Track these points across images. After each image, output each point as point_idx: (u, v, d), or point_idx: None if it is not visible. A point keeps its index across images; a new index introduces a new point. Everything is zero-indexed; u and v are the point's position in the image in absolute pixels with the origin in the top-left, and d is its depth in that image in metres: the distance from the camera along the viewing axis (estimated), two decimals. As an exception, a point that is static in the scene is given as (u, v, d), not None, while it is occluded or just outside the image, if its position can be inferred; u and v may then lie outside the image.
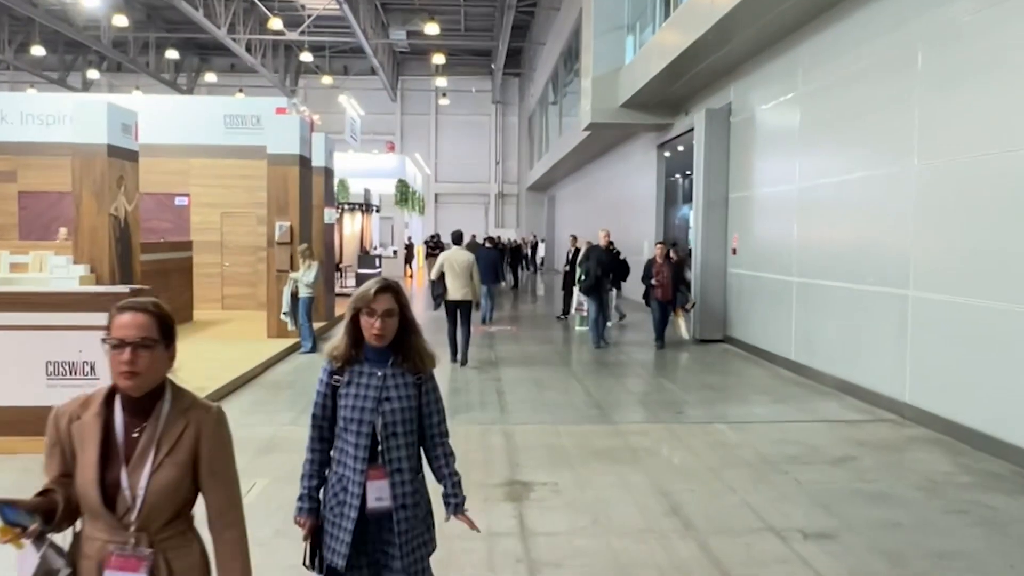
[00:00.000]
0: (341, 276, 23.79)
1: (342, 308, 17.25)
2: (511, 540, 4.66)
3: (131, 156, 11.80)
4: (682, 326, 12.97)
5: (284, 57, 38.96)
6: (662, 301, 12.39)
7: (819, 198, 10.11)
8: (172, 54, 34.38)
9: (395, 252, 31.58)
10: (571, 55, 25.53)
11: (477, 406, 8.36)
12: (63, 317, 6.20)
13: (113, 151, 11.17)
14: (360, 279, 22.65)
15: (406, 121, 44.64)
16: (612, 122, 17.15)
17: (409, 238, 33.29)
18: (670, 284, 12.36)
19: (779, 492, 5.58)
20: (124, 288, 6.46)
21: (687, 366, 11.26)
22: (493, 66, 40.74)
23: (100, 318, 6.36)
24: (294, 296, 11.40)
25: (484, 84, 43.89)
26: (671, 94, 15.26)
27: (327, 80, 36.86)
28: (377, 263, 23.46)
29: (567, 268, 16.95)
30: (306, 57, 33.00)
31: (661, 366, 11.15)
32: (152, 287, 12.55)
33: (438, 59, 32.28)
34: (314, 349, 11.46)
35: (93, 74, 37.68)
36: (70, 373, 6.22)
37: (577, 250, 16.76)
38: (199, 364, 10.05)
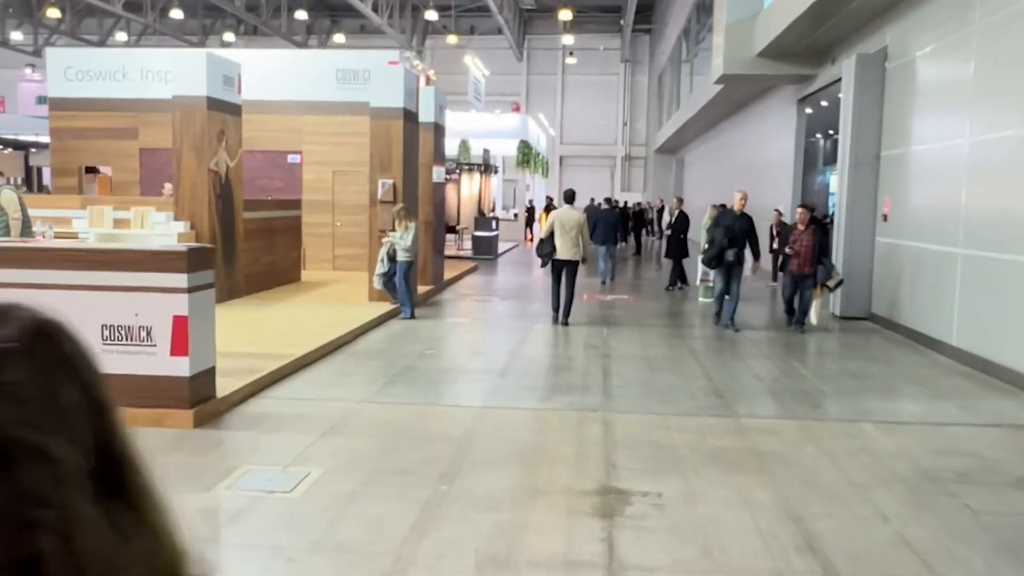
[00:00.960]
0: (458, 238, 23.24)
1: (452, 271, 16.71)
2: (593, 575, 3.71)
3: (233, 110, 11.38)
4: (815, 307, 11.10)
5: (411, 18, 38.65)
6: (797, 275, 10.79)
7: (997, 155, 8.47)
8: (301, 15, 34.65)
9: (515, 215, 30.83)
10: (704, 6, 23.73)
11: (579, 388, 7.41)
12: (119, 277, 5.67)
13: (213, 104, 10.75)
14: (476, 242, 22.00)
15: (532, 81, 43.57)
16: (747, 73, 15.58)
17: (530, 201, 32.46)
18: (810, 255, 10.65)
19: (947, 524, 4.36)
20: (181, 247, 5.87)
21: (825, 349, 9.88)
22: (622, 22, 38.98)
23: (158, 278, 5.79)
24: (391, 259, 10.75)
25: (613, 42, 42.14)
26: (815, 40, 13.58)
27: (452, 40, 36.24)
28: (494, 226, 22.71)
29: (668, 232, 15.87)
30: (431, 15, 32.42)
31: (795, 348, 9.81)
32: (255, 246, 12.32)
33: (565, 15, 30.98)
34: (413, 315, 10.81)
35: (229, 37, 38.61)
36: (126, 338, 5.69)
37: (682, 213, 15.64)
38: (294, 327, 9.59)
